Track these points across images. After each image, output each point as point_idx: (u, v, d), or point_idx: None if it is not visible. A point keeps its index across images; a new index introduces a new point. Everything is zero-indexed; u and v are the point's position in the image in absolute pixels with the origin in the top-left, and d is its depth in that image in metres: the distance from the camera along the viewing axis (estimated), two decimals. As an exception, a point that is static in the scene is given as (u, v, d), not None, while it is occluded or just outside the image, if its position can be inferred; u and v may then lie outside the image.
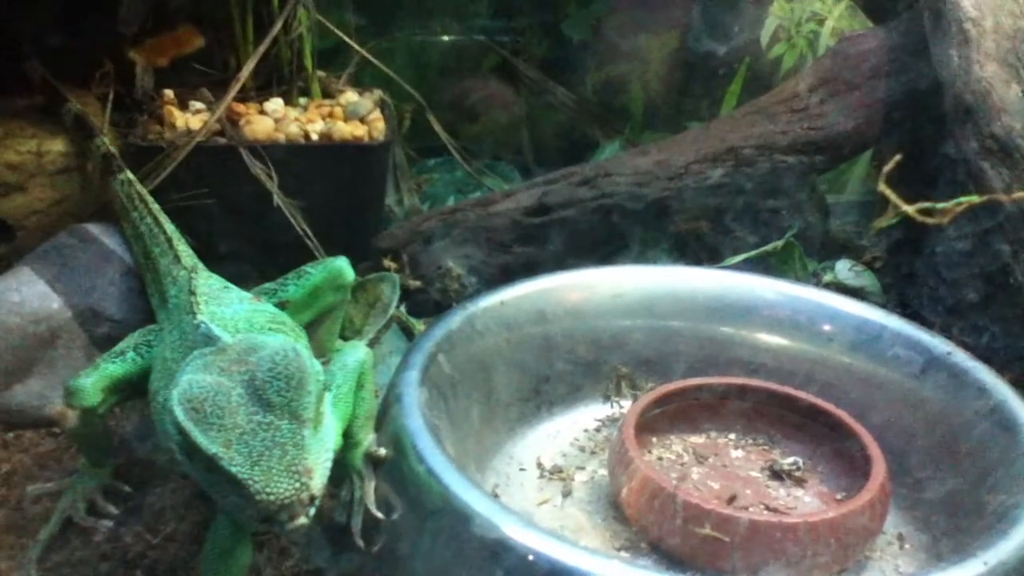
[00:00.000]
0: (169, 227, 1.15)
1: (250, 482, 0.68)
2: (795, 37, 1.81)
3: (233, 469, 0.68)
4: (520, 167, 1.76)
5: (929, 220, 1.05)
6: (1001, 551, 0.75)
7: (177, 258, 1.08)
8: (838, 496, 1.02)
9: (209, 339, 0.82)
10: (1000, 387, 1.01)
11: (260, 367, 0.74)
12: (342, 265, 1.10)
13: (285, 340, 0.80)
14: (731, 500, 0.98)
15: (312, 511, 0.69)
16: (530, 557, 0.77)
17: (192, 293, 0.94)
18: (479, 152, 1.76)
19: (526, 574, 0.77)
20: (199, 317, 0.87)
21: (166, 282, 1.07)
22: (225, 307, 0.93)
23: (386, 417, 0.94)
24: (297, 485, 0.68)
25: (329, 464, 0.72)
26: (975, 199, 1.07)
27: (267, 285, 1.08)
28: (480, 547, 0.79)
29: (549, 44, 1.85)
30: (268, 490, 0.67)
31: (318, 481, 0.70)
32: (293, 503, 0.68)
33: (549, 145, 1.79)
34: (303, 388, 0.73)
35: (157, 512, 0.95)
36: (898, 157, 1.06)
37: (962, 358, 1.06)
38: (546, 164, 1.64)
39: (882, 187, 1.05)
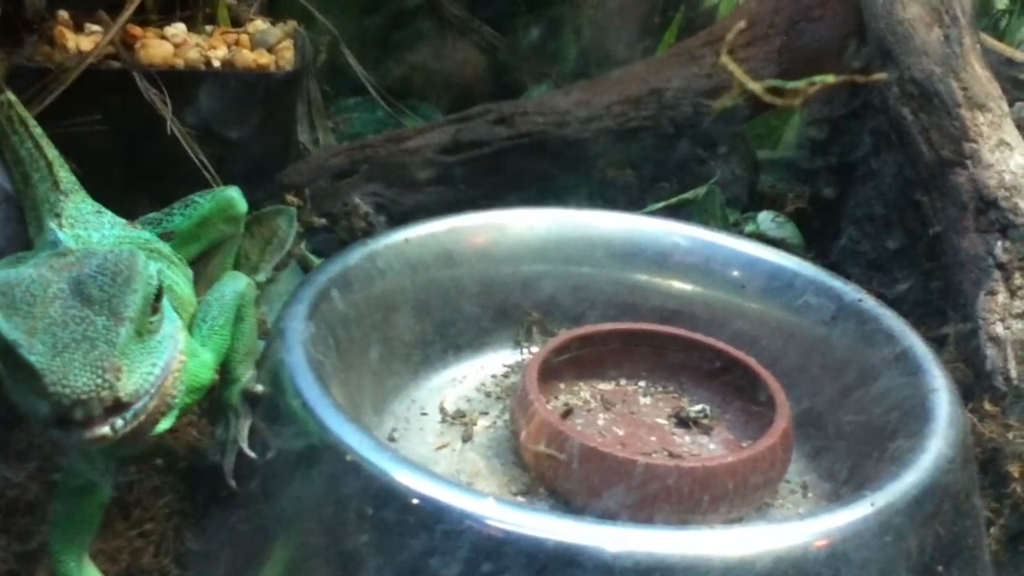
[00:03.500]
0: (51, 152, 1.07)
1: (46, 371, 0.62)
2: (730, -15, 1.77)
3: (31, 358, 0.62)
4: (444, 109, 1.70)
5: (779, 101, 1.01)
6: (889, 493, 0.74)
7: (56, 184, 1.01)
8: (744, 444, 1.00)
9: (55, 244, 0.76)
10: (907, 333, 1.00)
11: (88, 265, 0.68)
12: (233, 195, 1.04)
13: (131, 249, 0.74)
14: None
15: (121, 424, 0.63)
16: (415, 501, 0.73)
17: (57, 216, 0.88)
18: (403, 93, 1.70)
19: (403, 514, 0.73)
20: (50, 226, 0.80)
21: (43, 209, 1.00)
22: (92, 231, 0.88)
23: (267, 352, 0.89)
24: (99, 381, 0.62)
25: (154, 374, 0.66)
26: (829, 78, 1.03)
27: (152, 215, 1.02)
28: (356, 486, 0.75)
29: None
30: (64, 381, 0.61)
31: (129, 385, 0.64)
32: (91, 401, 0.61)
33: (475, 87, 1.73)
34: (128, 286, 0.67)
35: (22, 450, 0.90)
36: (741, 24, 1.00)
37: (872, 305, 1.05)
38: (471, 107, 1.59)
39: (724, 59, 1.00)
